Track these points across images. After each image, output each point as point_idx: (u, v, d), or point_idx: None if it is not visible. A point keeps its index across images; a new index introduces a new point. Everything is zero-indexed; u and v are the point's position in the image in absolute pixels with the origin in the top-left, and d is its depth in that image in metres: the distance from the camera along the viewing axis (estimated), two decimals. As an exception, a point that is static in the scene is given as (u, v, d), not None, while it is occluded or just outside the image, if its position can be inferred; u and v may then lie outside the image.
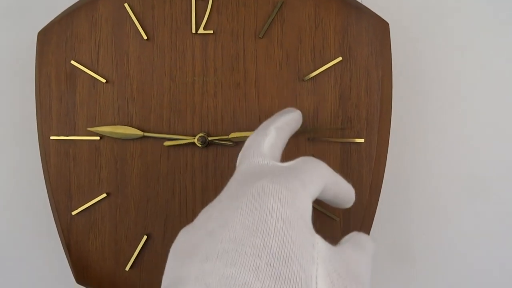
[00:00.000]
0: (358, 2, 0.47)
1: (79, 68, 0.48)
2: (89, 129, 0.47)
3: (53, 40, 0.48)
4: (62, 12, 0.49)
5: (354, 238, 0.33)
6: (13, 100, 0.56)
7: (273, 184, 0.27)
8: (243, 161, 0.33)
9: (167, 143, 0.47)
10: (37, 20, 0.53)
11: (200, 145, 0.46)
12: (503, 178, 0.54)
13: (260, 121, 0.46)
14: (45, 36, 0.49)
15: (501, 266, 0.55)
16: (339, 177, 0.34)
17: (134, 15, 0.47)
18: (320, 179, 0.31)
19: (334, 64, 0.45)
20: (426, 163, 0.54)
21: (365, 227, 0.46)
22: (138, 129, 0.47)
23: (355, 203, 0.45)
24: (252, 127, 0.46)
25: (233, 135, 0.46)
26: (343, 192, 0.35)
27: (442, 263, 0.55)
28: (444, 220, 0.55)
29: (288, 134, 0.37)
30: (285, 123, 0.37)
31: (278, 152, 0.35)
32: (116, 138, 0.47)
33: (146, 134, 0.47)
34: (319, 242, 0.27)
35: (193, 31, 0.47)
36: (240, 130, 0.47)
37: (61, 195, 0.48)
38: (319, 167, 0.32)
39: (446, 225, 0.55)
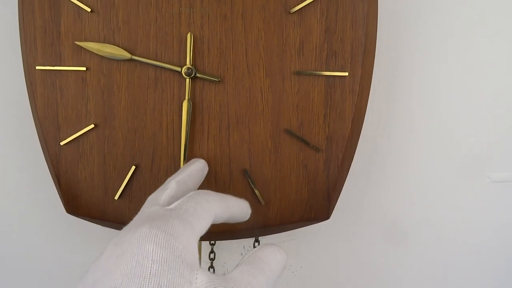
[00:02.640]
0: None
1: (63, -4, 0.47)
2: (76, 42, 0.47)
3: (34, -34, 0.47)
4: None
5: (254, 256, 0.32)
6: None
7: (151, 228, 0.29)
8: (139, 212, 0.35)
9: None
10: None
11: (186, 77, 0.47)
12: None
13: (246, 54, 0.47)
14: (26, -38, 0.47)
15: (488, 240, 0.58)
16: (231, 199, 0.37)
17: None
18: (208, 213, 0.33)
19: (321, -4, 0.45)
20: (411, 104, 0.56)
21: (347, 158, 0.48)
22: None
23: (338, 136, 0.47)
24: (239, 61, 0.47)
25: None
26: (237, 212, 0.37)
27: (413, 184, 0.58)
28: (418, 154, 0.57)
29: (191, 186, 0.40)
30: (187, 175, 0.40)
31: None
32: (103, 59, 0.47)
33: (133, 57, 0.47)
34: (200, 277, 0.28)
35: (180, -41, 0.46)
36: (226, 63, 0.47)
37: (49, 125, 0.49)
38: (206, 201, 0.34)
39: (419, 161, 0.57)
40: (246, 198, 0.48)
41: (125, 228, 0.32)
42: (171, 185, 0.38)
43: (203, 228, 0.32)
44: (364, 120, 0.49)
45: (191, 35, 0.46)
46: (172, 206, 0.33)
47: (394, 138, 0.56)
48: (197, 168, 0.42)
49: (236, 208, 0.37)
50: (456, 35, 0.55)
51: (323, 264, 0.60)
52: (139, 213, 0.35)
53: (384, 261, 0.60)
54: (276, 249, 0.33)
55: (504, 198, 0.58)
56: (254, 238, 0.55)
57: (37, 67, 0.48)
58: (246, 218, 0.39)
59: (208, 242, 0.57)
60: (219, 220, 0.36)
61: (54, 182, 0.51)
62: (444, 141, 0.57)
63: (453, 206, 0.58)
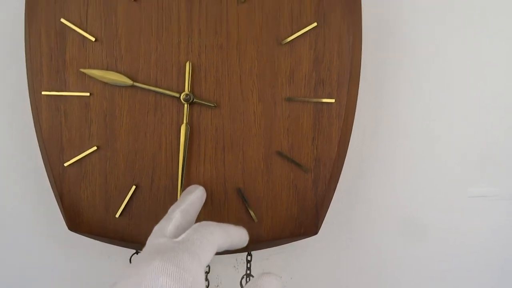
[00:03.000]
0: (334, -29, 0.50)
1: (69, 26, 0.50)
2: (81, 70, 0.50)
3: (42, -2, 0.50)
4: (50, -29, 0.51)
5: (254, 285, 0.35)
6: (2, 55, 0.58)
7: (163, 262, 0.32)
8: (147, 243, 0.38)
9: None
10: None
11: (184, 102, 0.50)
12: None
13: (240, 81, 0.50)
14: (33, -6, 0.50)
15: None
16: (231, 229, 0.40)
17: (122, -24, 0.49)
18: (212, 244, 0.37)
19: (310, 29, 0.49)
20: (391, 124, 0.60)
21: (333, 178, 0.52)
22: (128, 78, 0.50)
23: (326, 158, 0.50)
24: (234, 87, 0.50)
25: None
26: (236, 240, 0.41)
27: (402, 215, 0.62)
28: (404, 175, 0.61)
29: (193, 214, 0.44)
30: (189, 204, 0.43)
31: (184, 231, 0.40)
32: (106, 85, 0.50)
33: (135, 83, 0.50)
34: None
35: (179, -7, 0.49)
36: (222, 90, 0.50)
37: (53, 147, 0.51)
38: (210, 233, 0.37)
39: (405, 180, 0.61)
40: (240, 216, 0.52)
41: (136, 260, 0.35)
42: (176, 216, 0.41)
43: (209, 259, 0.36)
44: (350, 142, 0.52)
45: (189, 64, 0.50)
46: (179, 239, 0.37)
47: (377, 158, 0.60)
48: (197, 196, 0.46)
49: (236, 237, 0.41)
50: (436, 61, 0.59)
51: (312, 276, 0.64)
52: (147, 244, 0.38)
53: (368, 272, 0.63)
54: (273, 277, 0.37)
55: (481, 213, 0.62)
56: (246, 252, 0.58)
57: (43, 92, 0.51)
58: (245, 245, 0.43)
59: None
60: (221, 249, 0.39)
61: (57, 201, 0.53)
62: (426, 159, 0.61)
63: (436, 220, 0.62)
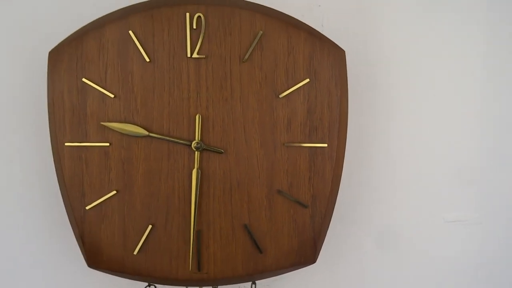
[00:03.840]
0: (321, 34, 0.58)
1: (90, 85, 0.56)
2: (102, 123, 0.55)
3: (64, 59, 0.56)
4: (71, 35, 0.57)
5: None
6: (24, 110, 0.64)
7: None
8: None
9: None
10: (44, 40, 0.60)
11: (195, 150, 0.56)
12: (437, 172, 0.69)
13: (244, 130, 0.57)
14: (56, 55, 0.56)
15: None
16: None
17: (138, 40, 0.56)
18: None
19: (303, 84, 0.57)
20: (376, 163, 0.68)
21: (328, 212, 0.59)
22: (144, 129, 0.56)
23: (321, 194, 0.57)
24: (238, 135, 0.57)
25: None
26: None
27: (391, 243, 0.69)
28: (381, 207, 0.69)
29: None
30: None
31: None
32: (124, 135, 0.55)
33: (150, 134, 0.56)
34: None
35: (188, 55, 0.56)
36: (228, 137, 0.57)
37: (75, 192, 0.57)
38: None
39: (389, 206, 0.69)
40: (247, 249, 0.58)
41: None
42: None
43: None
44: (341, 179, 0.60)
45: (199, 116, 0.56)
46: None
47: (365, 190, 0.68)
48: None
49: None
50: (410, 105, 0.68)
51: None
52: None
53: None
54: None
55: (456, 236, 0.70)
56: (251, 281, 0.64)
57: (66, 144, 0.56)
58: None
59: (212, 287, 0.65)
60: None
61: (78, 241, 0.58)
62: (404, 189, 0.69)
63: (415, 244, 0.70)
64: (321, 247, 0.59)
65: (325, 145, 0.57)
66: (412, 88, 0.68)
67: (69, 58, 0.56)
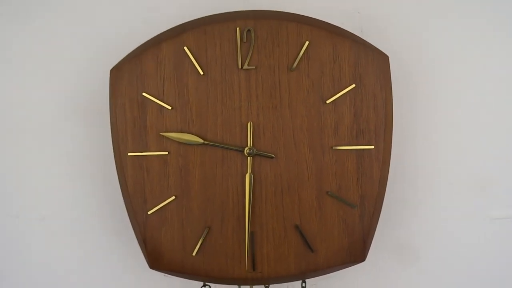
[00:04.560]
0: (365, 40, 0.61)
1: (149, 98, 0.60)
2: (161, 133, 0.59)
3: (125, 76, 0.60)
4: (130, 53, 0.62)
5: None
6: (87, 123, 0.69)
7: None
8: None
9: None
10: (105, 60, 0.65)
11: (248, 156, 0.60)
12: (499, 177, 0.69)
13: (293, 135, 0.60)
14: (117, 73, 0.61)
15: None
16: None
17: (192, 55, 0.60)
18: None
19: (349, 90, 0.59)
20: (421, 164, 0.69)
21: (376, 212, 0.61)
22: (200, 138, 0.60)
23: (369, 195, 0.59)
24: (288, 140, 0.60)
25: None
26: None
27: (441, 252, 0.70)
28: (426, 202, 0.70)
29: None
30: None
31: None
32: (181, 144, 0.59)
33: (205, 142, 0.59)
34: None
35: (239, 67, 0.60)
36: (278, 143, 0.60)
37: (138, 199, 0.61)
38: None
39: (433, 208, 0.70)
40: (298, 248, 0.61)
41: None
42: None
43: None
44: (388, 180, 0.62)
45: (251, 124, 0.60)
46: None
47: (410, 190, 0.69)
48: None
49: None
50: (451, 116, 0.69)
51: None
52: None
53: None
54: None
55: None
56: (301, 280, 0.66)
57: (129, 154, 0.61)
58: None
59: (263, 285, 0.68)
60: None
61: (140, 245, 0.62)
62: (449, 188, 0.70)
63: (460, 240, 0.71)
64: (370, 246, 0.61)
65: (372, 147, 0.59)
66: (453, 89, 0.69)
67: (129, 74, 0.60)
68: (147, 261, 0.63)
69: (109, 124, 0.61)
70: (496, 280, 0.72)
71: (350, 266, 0.62)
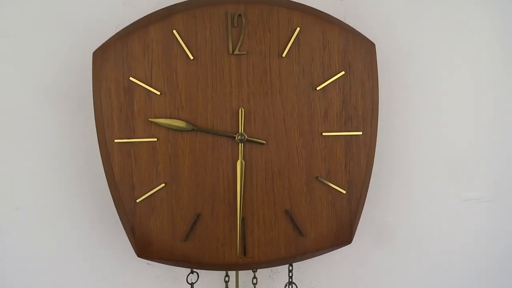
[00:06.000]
0: (353, 28, 0.62)
1: (136, 83, 0.58)
2: (150, 119, 0.58)
3: (110, 59, 0.58)
4: (115, 35, 0.59)
5: None
6: (68, 111, 0.65)
7: None
8: None
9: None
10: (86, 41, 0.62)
11: (239, 142, 0.59)
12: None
13: (284, 121, 0.60)
14: (102, 55, 0.58)
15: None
16: None
17: (181, 39, 0.58)
18: None
19: (339, 77, 0.60)
20: (404, 148, 0.72)
21: (363, 196, 0.63)
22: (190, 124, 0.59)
23: (357, 179, 0.61)
24: (278, 126, 0.60)
25: None
26: None
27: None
28: (409, 187, 0.73)
29: None
30: None
31: None
32: (170, 130, 0.58)
33: (195, 128, 0.59)
34: None
35: (230, 52, 0.59)
36: (269, 129, 0.60)
37: (125, 187, 0.59)
38: None
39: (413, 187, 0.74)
40: (289, 232, 0.62)
41: None
42: None
43: None
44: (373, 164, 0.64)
45: (242, 110, 0.59)
46: None
47: (391, 175, 0.72)
48: None
49: None
50: (436, 103, 0.72)
51: (341, 279, 0.74)
52: None
53: (377, 262, 0.75)
54: None
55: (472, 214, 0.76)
56: (288, 264, 0.68)
57: (115, 140, 0.59)
58: None
59: (251, 271, 0.69)
60: None
61: (127, 233, 0.61)
62: (424, 172, 0.74)
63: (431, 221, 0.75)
64: (356, 229, 0.64)
65: (360, 133, 0.61)
66: (434, 76, 0.72)
67: (115, 57, 0.58)
68: (134, 249, 0.61)
69: (93, 109, 0.59)
70: (467, 257, 0.77)
71: (338, 248, 0.64)
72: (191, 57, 0.58)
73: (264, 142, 0.60)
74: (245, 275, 0.71)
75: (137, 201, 0.59)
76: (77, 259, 0.69)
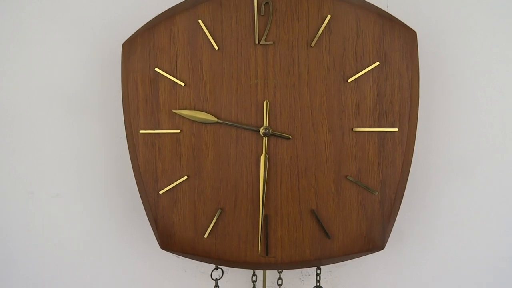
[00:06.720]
0: (391, 15, 0.57)
1: (162, 74, 0.58)
2: (174, 111, 0.57)
3: (138, 50, 0.58)
4: (143, 26, 0.59)
5: None
6: (99, 101, 0.67)
7: None
8: None
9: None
10: (116, 33, 0.63)
11: (263, 136, 0.57)
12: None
13: (311, 115, 0.57)
14: (130, 47, 0.58)
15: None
16: None
17: (206, 29, 0.57)
18: None
19: (373, 68, 0.56)
20: (447, 150, 0.65)
21: (398, 198, 0.57)
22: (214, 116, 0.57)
23: (391, 180, 0.56)
24: (305, 121, 0.57)
25: None
26: None
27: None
28: (448, 190, 0.66)
29: None
30: None
31: None
32: (194, 122, 0.57)
33: (219, 120, 0.57)
34: None
35: (256, 41, 0.56)
36: (295, 123, 0.57)
37: (149, 178, 0.59)
38: None
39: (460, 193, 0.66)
40: (314, 234, 0.58)
41: None
42: None
43: None
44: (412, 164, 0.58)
45: (267, 103, 0.57)
46: None
47: (432, 180, 0.66)
48: None
49: None
50: (482, 100, 0.64)
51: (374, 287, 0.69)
52: None
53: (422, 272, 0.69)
54: None
55: None
56: (316, 266, 0.64)
57: (140, 131, 0.59)
58: None
59: (276, 270, 0.66)
60: None
61: (151, 224, 0.61)
62: (467, 178, 0.66)
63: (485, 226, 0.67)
64: (389, 233, 0.58)
65: (396, 129, 0.56)
66: (483, 71, 0.64)
67: (142, 48, 0.58)
68: (158, 241, 0.61)
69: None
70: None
71: (368, 254, 0.59)
72: (216, 48, 0.57)
73: (290, 136, 0.57)
74: (273, 275, 0.69)
75: (160, 192, 0.59)
76: (109, 247, 0.71)
